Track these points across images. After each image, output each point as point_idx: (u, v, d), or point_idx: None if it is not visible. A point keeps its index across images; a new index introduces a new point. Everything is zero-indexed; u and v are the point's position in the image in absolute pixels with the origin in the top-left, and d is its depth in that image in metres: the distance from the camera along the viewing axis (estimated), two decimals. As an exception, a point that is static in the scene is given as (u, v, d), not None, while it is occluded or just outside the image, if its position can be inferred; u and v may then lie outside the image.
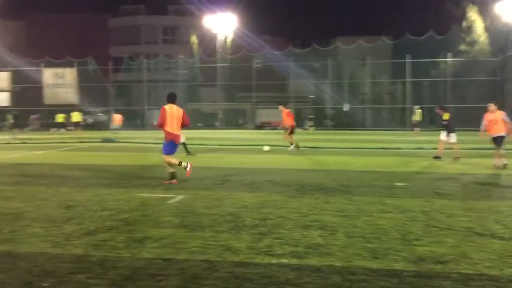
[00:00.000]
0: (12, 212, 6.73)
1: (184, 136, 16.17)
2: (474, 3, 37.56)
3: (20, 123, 34.06)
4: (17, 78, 45.98)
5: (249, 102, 43.45)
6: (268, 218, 6.32)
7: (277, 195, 8.01)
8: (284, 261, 4.55)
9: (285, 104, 18.87)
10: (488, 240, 5.25)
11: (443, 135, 14.05)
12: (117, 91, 45.97)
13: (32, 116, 41.47)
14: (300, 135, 31.38)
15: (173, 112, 9.61)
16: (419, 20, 60.74)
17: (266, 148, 17.48)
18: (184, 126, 9.83)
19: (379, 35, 42.21)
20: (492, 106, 12.60)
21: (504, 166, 11.69)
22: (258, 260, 4.58)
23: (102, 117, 50.01)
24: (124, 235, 5.48)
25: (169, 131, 9.49)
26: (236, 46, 44.14)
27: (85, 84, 45.06)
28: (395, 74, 42.22)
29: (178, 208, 6.98)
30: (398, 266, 4.40)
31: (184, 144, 16.14)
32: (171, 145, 9.59)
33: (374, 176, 10.42)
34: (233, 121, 44.33)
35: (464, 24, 38.15)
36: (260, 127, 41.73)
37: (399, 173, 11.20)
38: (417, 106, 31.36)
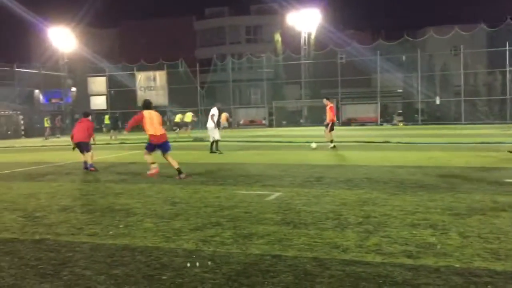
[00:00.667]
0: (123, 208, 7.14)
1: (218, 133, 16.67)
2: None
3: (118, 125, 36.45)
4: (112, 82, 49.03)
5: (334, 99, 42.79)
6: (372, 215, 6.15)
7: (377, 192, 7.78)
8: (397, 260, 4.39)
9: (329, 98, 18.27)
10: None
11: None
12: (204, 92, 47.41)
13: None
14: (389, 131, 30.50)
15: (152, 117, 10.41)
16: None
17: (313, 145, 17.18)
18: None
19: (472, 23, 39.70)
20: None
21: None
22: (369, 258, 4.45)
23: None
24: (230, 231, 5.59)
25: (153, 133, 10.30)
26: (320, 42, 43.69)
27: (174, 86, 47.03)
28: (493, 64, 39.47)
29: (278, 205, 7.01)
30: (526, 269, 4.07)
31: (216, 141, 16.55)
32: (152, 146, 10.49)
33: (478, 173, 9.79)
34: (318, 118, 43.90)
35: None
36: (346, 123, 40.98)
37: (508, 169, 10.43)
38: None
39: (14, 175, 12.22)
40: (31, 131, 41.53)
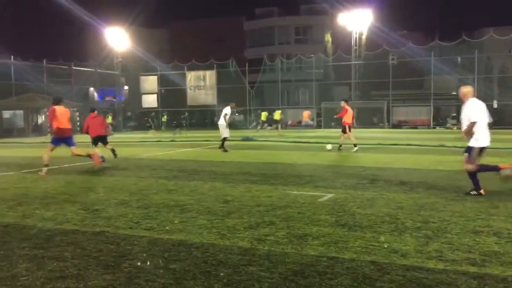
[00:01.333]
0: (177, 204, 7.25)
1: (227, 131, 17.45)
2: None
3: (170, 123, 37.42)
4: (163, 81, 50.10)
5: (385, 100, 41.90)
6: (430, 221, 5.95)
7: (434, 197, 7.53)
8: (460, 268, 4.21)
9: (347, 101, 18.08)
10: None
11: None
12: (254, 92, 47.63)
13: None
14: (443, 134, 29.52)
15: (62, 112, 11.40)
16: None
17: (328, 146, 17.19)
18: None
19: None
20: None
21: None
22: (430, 265, 4.30)
23: (238, 117, 52.37)
24: (284, 231, 5.56)
25: (60, 127, 11.18)
26: (371, 42, 42.90)
27: (222, 86, 47.54)
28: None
29: (331, 207, 6.91)
30: None
31: (224, 139, 17.33)
32: (57, 140, 11.39)
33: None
34: (368, 119, 43.15)
35: None
36: (397, 126, 40.03)
37: None
38: None
39: (73, 168, 12.71)
40: (86, 127, 43.10)
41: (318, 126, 44.64)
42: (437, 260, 4.44)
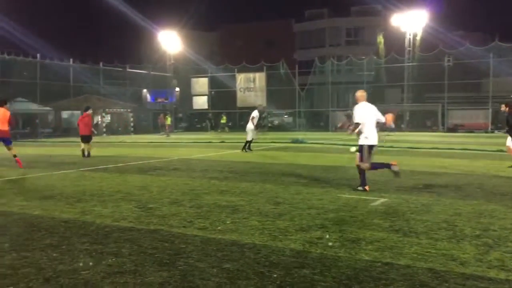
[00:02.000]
0: (228, 205, 7.33)
1: (252, 133, 18.06)
2: None
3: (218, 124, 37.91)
4: (213, 83, 50.79)
5: (440, 103, 40.55)
6: (490, 228, 5.71)
7: (494, 204, 7.22)
8: (525, 279, 4.02)
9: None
10: None
11: None
12: (304, 94, 47.39)
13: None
14: (503, 139, 28.12)
15: (1, 113, 12.60)
16: None
17: (352, 149, 16.53)
18: (10, 125, 13.09)
19: None
20: None
21: None
22: (492, 274, 4.13)
23: (287, 119, 52.33)
24: (336, 235, 5.50)
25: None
26: (426, 43, 41.66)
27: (272, 88, 47.62)
28: None
29: (384, 211, 6.77)
30: None
31: (249, 142, 17.92)
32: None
33: None
34: (421, 123, 41.91)
35: None
36: (452, 129, 38.64)
37: None
38: None
39: (128, 168, 13.11)
40: (139, 128, 44.43)
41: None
42: (498, 269, 4.26)
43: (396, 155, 16.27)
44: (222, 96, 50.68)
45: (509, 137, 13.16)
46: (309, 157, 16.15)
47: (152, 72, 49.45)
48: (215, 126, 44.38)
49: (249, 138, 18.09)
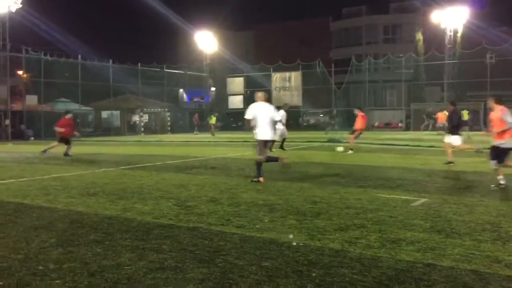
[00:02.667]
0: (265, 204, 7.35)
1: (278, 132, 17.26)
2: None
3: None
4: (249, 82, 50.96)
5: (482, 102, 39.35)
6: (538, 231, 5.51)
7: (541, 206, 6.97)
8: None
9: (362, 108, 19.09)
10: None
11: None
12: (340, 93, 46.94)
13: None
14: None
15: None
16: None
17: (339, 148, 17.67)
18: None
19: None
20: None
21: None
22: (540, 278, 3.99)
23: (323, 118, 51.97)
24: (375, 235, 5.43)
25: None
26: (467, 40, 40.49)
27: (308, 87, 47.39)
28: None
29: (425, 212, 6.64)
30: None
31: (273, 141, 16.95)
32: None
33: None
34: (462, 121, 40.71)
35: None
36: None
37: None
38: None
39: (166, 166, 13.34)
40: (176, 127, 45.12)
41: (407, 128, 43.02)
42: (547, 273, 4.11)
43: (439, 155, 15.91)
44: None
45: (449, 135, 13.11)
46: (346, 156, 15.98)
47: (188, 72, 50.12)
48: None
49: (278, 138, 17.90)
